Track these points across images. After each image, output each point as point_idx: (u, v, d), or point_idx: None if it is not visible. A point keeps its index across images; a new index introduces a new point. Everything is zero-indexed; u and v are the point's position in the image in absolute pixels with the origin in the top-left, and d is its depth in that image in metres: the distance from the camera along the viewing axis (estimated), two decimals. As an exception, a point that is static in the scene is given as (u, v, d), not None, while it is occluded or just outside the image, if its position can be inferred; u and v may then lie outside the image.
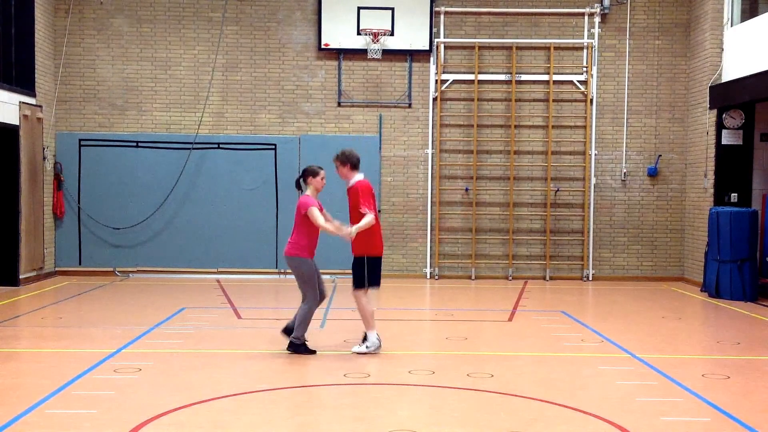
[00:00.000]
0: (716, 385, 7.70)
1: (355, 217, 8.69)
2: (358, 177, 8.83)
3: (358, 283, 8.78)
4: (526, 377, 7.96)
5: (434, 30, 15.76)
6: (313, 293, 8.81)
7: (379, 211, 15.66)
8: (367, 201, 8.66)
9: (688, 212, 15.79)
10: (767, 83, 12.88)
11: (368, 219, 8.60)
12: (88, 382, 7.49)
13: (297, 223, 8.78)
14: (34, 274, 14.68)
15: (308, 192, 8.84)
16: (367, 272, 8.74)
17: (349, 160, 8.82)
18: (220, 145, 15.83)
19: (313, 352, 8.84)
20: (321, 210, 8.78)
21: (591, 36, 15.94)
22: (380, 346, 8.90)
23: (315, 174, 8.87)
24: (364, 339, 8.92)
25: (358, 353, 8.82)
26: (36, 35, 14.66)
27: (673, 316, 11.84)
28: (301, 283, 8.88)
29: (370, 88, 15.95)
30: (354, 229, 8.58)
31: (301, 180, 8.93)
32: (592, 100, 15.93)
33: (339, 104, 15.95)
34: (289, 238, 8.90)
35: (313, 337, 9.25)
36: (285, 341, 9.03)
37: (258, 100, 15.93)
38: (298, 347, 8.81)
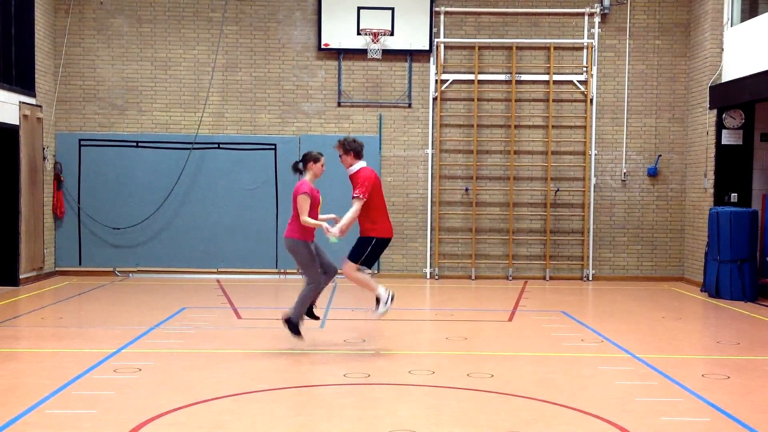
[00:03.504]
0: (716, 385, 7.70)
1: (362, 207, 8.70)
2: (360, 164, 8.81)
3: (354, 257, 8.70)
4: (526, 377, 7.96)
5: (434, 30, 15.76)
6: (314, 275, 8.82)
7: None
8: (363, 187, 8.61)
9: (688, 212, 15.80)
10: (767, 83, 12.88)
11: (352, 210, 8.59)
12: (88, 382, 7.49)
13: (294, 207, 8.83)
14: (34, 274, 14.68)
15: (307, 177, 8.87)
16: (368, 252, 8.70)
17: (353, 149, 8.80)
18: (220, 145, 15.83)
19: (299, 334, 8.86)
20: (317, 197, 8.80)
21: (591, 36, 15.94)
22: (393, 295, 8.83)
23: (316, 160, 8.91)
24: (377, 302, 8.81)
25: (381, 314, 8.74)
26: (36, 35, 14.66)
27: (673, 316, 11.84)
28: (299, 265, 8.98)
29: (370, 88, 15.95)
30: (336, 230, 8.54)
31: (301, 164, 8.96)
32: (592, 100, 15.93)
33: (339, 104, 15.95)
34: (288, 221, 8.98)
35: (313, 337, 9.25)
36: (285, 341, 9.04)
37: (258, 100, 15.93)
38: (291, 324, 8.85)
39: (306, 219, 8.65)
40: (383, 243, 8.84)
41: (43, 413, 6.49)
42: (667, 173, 16.04)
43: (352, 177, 8.78)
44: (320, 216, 8.92)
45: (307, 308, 9.02)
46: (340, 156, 8.87)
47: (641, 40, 15.98)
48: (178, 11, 15.86)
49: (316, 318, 9.24)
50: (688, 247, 15.82)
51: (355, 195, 8.61)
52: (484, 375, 7.94)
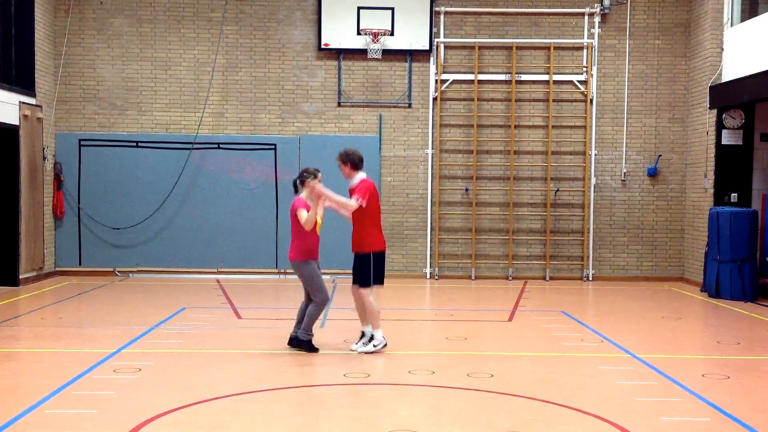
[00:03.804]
0: (716, 385, 7.70)
1: (357, 216, 8.69)
2: (360, 176, 8.80)
3: (364, 282, 8.72)
4: (526, 377, 7.96)
5: (434, 30, 15.76)
6: (321, 292, 8.80)
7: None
8: (361, 192, 8.60)
9: (688, 212, 15.80)
10: (767, 83, 12.87)
11: (346, 200, 8.58)
12: (88, 382, 7.49)
13: (293, 227, 8.83)
14: (34, 274, 14.68)
15: (303, 194, 8.87)
16: (372, 269, 8.69)
17: (350, 160, 8.78)
18: (220, 145, 15.83)
19: (316, 350, 8.87)
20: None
21: (591, 36, 15.94)
22: (386, 345, 8.90)
23: (314, 177, 8.91)
24: (364, 337, 8.90)
25: (364, 352, 8.81)
26: (36, 35, 14.66)
27: (673, 316, 11.84)
28: (305, 284, 8.90)
29: (370, 88, 15.95)
30: (321, 186, 8.58)
31: (298, 181, 8.96)
32: (592, 100, 15.93)
33: (339, 104, 15.95)
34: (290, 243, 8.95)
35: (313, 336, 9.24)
36: (285, 341, 9.04)
37: (258, 100, 15.93)
38: (303, 343, 8.85)
39: (307, 221, 8.64)
40: (380, 256, 8.80)
41: (43, 413, 6.49)
42: (667, 173, 16.04)
43: (351, 190, 8.76)
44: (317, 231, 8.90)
45: (309, 342, 8.95)
46: (339, 167, 8.88)
47: (641, 40, 15.97)
48: (178, 11, 15.87)
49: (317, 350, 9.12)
50: (688, 247, 15.82)
51: (355, 198, 8.60)
52: (484, 375, 7.94)
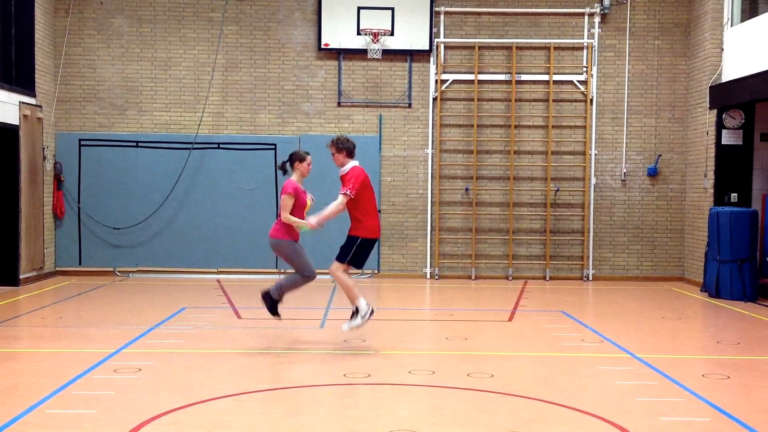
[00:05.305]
0: (716, 385, 7.70)
1: (351, 203, 8.77)
2: (352, 164, 8.89)
3: (341, 257, 8.81)
4: (526, 377, 7.96)
5: (434, 30, 15.76)
6: (306, 267, 8.89)
7: (379, 210, 15.66)
8: (350, 184, 8.69)
9: (688, 212, 15.80)
10: (767, 83, 12.87)
11: (335, 203, 8.68)
12: (88, 382, 7.49)
13: (280, 207, 8.89)
14: (34, 274, 14.68)
15: (294, 177, 8.95)
16: (354, 251, 8.77)
17: (345, 148, 8.89)
18: (220, 145, 15.83)
19: (278, 315, 9.03)
20: (303, 198, 8.86)
21: (591, 36, 15.94)
22: (373, 311, 8.94)
23: (302, 159, 9.04)
24: (353, 315, 8.91)
25: (354, 328, 8.87)
26: (36, 35, 14.66)
27: (673, 316, 11.84)
28: (288, 261, 9.02)
29: (370, 88, 15.95)
30: (314, 219, 8.66)
31: (288, 164, 9.04)
32: (592, 100, 15.93)
33: (339, 104, 15.95)
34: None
35: (313, 337, 9.25)
36: (285, 341, 9.05)
37: (258, 100, 15.93)
38: (270, 301, 8.96)
39: (288, 216, 8.71)
40: (368, 243, 8.87)
41: (43, 413, 6.49)
42: (667, 173, 16.04)
43: (343, 176, 8.87)
44: (306, 217, 8.95)
45: (274, 303, 9.02)
46: (332, 154, 8.94)
47: (641, 40, 15.97)
48: (178, 11, 15.87)
49: (279, 316, 9.20)
50: (688, 247, 15.82)
51: (342, 192, 8.70)
52: (484, 375, 7.94)
